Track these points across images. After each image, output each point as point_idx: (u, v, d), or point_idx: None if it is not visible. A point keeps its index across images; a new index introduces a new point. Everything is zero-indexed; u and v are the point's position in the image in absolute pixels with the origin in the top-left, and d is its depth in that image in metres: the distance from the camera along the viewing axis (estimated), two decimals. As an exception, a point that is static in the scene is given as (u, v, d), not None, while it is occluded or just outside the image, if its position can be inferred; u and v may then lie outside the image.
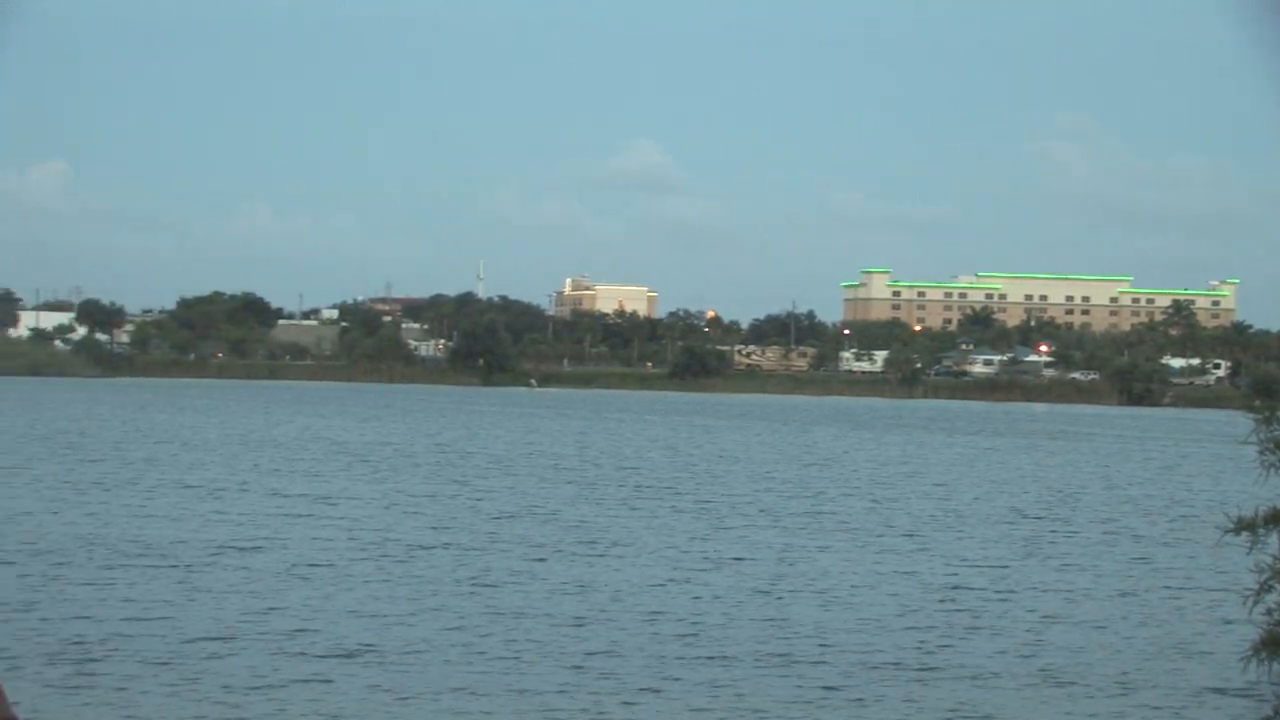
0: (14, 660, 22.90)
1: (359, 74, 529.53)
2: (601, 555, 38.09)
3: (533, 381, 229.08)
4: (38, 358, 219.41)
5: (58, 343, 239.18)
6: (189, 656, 24.04)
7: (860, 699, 22.85)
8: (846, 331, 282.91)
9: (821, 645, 26.76)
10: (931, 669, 25.07)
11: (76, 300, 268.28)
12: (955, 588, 34.46)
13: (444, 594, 31.07)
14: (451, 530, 42.55)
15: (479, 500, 51.78)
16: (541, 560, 36.75)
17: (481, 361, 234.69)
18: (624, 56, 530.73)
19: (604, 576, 34.26)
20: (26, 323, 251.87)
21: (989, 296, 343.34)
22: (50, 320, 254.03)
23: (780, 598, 32.15)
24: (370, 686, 22.43)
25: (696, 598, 31.70)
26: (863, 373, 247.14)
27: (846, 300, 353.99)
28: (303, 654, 24.49)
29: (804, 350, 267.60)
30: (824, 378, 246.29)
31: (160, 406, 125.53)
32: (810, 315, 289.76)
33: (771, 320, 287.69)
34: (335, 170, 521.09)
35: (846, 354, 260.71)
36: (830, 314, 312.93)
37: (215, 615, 27.68)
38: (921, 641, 27.44)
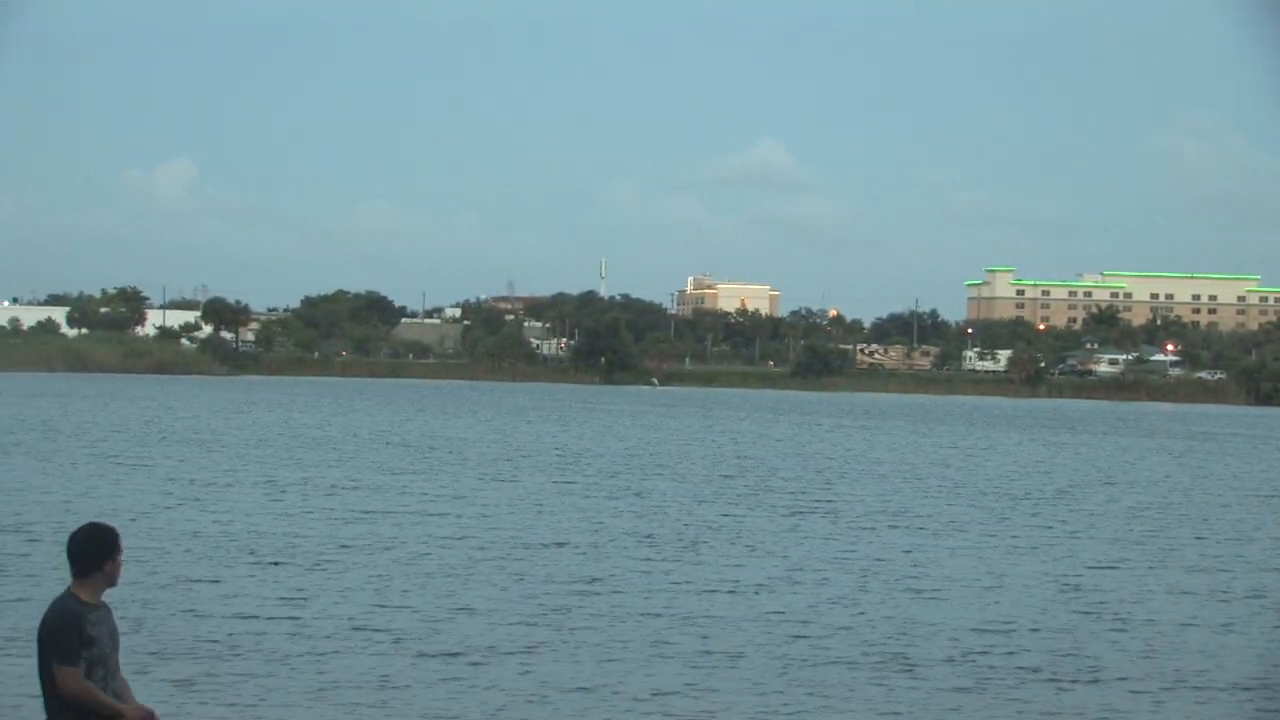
0: (139, 658, 22.86)
1: (484, 73, 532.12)
2: (723, 555, 37.78)
3: (654, 380, 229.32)
4: (164, 356, 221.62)
5: (184, 341, 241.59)
6: (311, 656, 23.93)
7: (993, 702, 22.41)
8: (970, 330, 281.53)
9: (950, 647, 26.34)
10: (1061, 672, 24.60)
11: (202, 299, 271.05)
12: (1083, 589, 33.92)
13: (566, 594, 30.86)
14: (572, 529, 42.35)
15: (601, 499, 51.59)
16: (663, 560, 36.49)
17: (603, 360, 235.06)
18: (747, 54, 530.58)
19: (726, 576, 33.95)
20: (153, 321, 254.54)
21: (1114, 295, 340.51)
22: (176, 318, 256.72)
23: (905, 599, 31.72)
24: (493, 687, 22.22)
25: (821, 598, 31.35)
26: (986, 372, 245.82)
27: (970, 299, 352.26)
28: (424, 654, 24.32)
29: (927, 349, 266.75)
30: (947, 377, 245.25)
31: (284, 404, 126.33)
32: (933, 314, 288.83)
33: (894, 319, 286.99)
34: (459, 169, 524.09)
35: (970, 353, 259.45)
36: (953, 313, 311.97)
37: (336, 614, 27.59)
38: (1051, 645, 26.97)
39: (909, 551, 39.81)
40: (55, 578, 30.49)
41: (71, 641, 10.95)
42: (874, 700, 22.27)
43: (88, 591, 11.19)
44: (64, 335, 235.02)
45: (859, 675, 23.84)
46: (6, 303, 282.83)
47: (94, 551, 11.22)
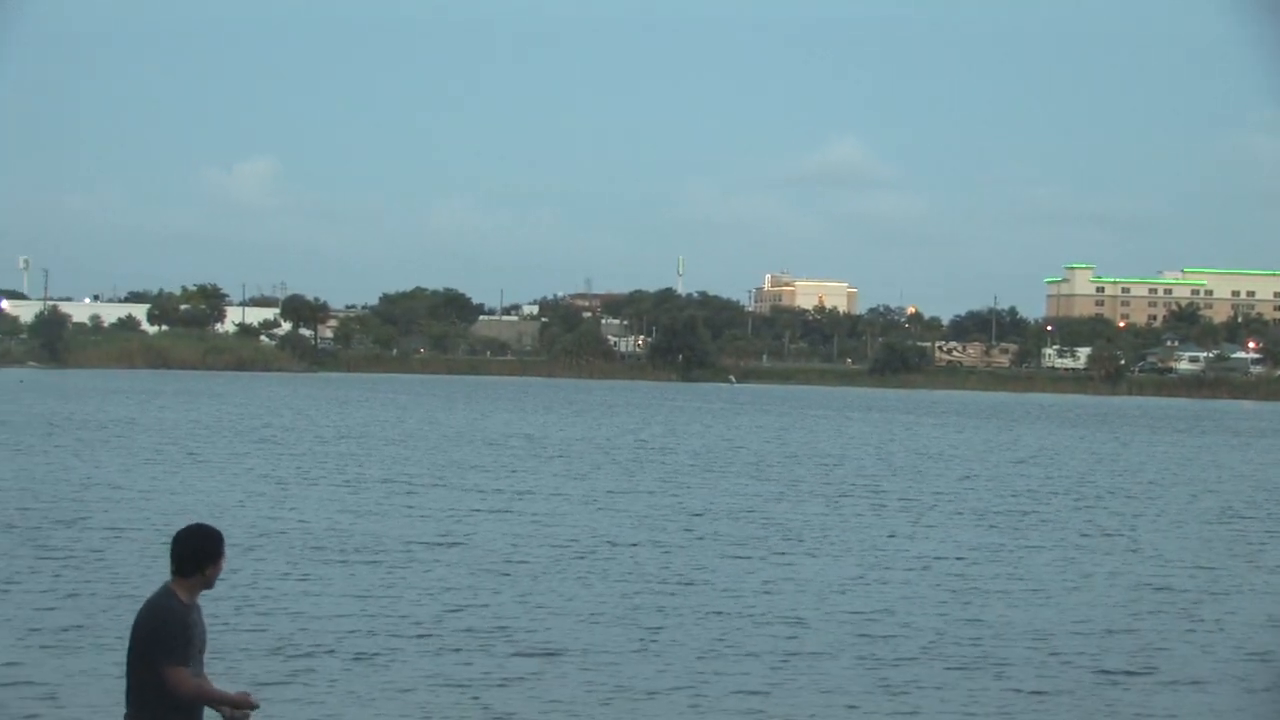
0: (220, 657, 22.87)
1: (562, 71, 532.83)
2: (803, 553, 37.59)
3: (731, 378, 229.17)
4: (243, 353, 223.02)
5: (263, 338, 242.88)
6: (390, 655, 23.89)
7: (1075, 704, 22.17)
8: (1049, 328, 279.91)
9: (1031, 648, 26.09)
10: (1145, 672, 24.32)
11: (281, 295, 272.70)
12: (1166, 589, 33.58)
13: (645, 593, 30.74)
14: (651, 527, 42.24)
15: (679, 497, 51.47)
16: (743, 558, 36.33)
17: (680, 357, 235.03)
18: (825, 52, 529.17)
19: (806, 574, 33.77)
20: (233, 318, 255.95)
21: (1195, 293, 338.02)
22: (256, 315, 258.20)
23: (988, 598, 31.47)
24: (572, 688, 22.12)
25: (902, 597, 31.12)
26: (1065, 369, 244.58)
27: (1049, 296, 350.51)
28: (505, 654, 24.25)
29: (1005, 346, 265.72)
30: (1026, 374, 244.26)
31: (363, 401, 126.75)
32: (1012, 311, 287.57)
33: (973, 316, 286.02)
34: (537, 166, 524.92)
35: (1049, 350, 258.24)
36: (1032, 310, 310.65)
37: (414, 612, 27.55)
38: (1135, 645, 26.68)
39: (991, 550, 39.51)
40: (132, 572, 30.59)
41: (179, 642, 10.96)
42: (956, 701, 22.05)
43: (185, 591, 11.15)
44: (144, 332, 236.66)
45: (941, 676, 23.62)
46: (88, 299, 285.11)
47: (198, 553, 11.19)
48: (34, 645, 23.64)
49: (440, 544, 37.04)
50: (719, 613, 28.51)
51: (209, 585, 11.28)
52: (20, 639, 24.09)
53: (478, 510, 45.20)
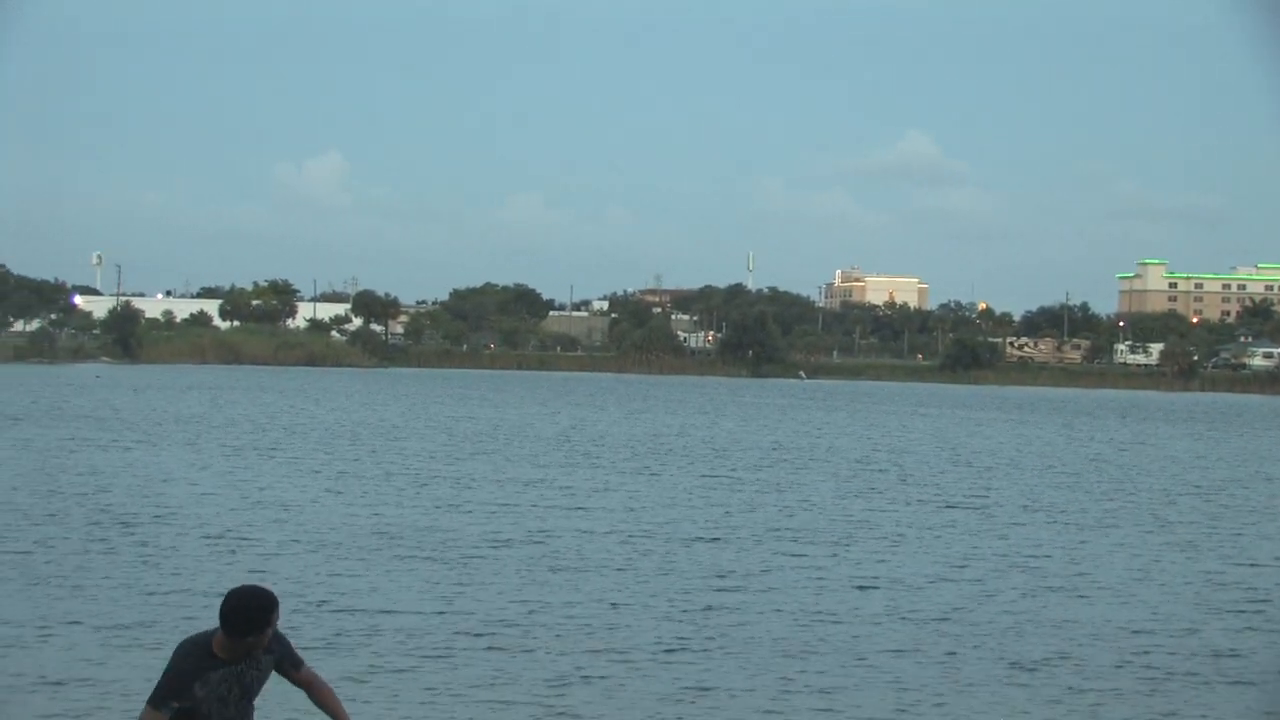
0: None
1: (631, 67, 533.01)
2: (877, 550, 37.36)
3: (801, 373, 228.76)
4: (314, 348, 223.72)
5: (334, 333, 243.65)
6: (463, 652, 23.82)
7: (1146, 703, 21.92)
8: (1121, 323, 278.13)
9: (1106, 646, 25.84)
10: (1218, 673, 24.03)
11: (352, 291, 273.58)
12: (1242, 588, 33.22)
13: (720, 589, 30.58)
14: (724, 524, 42.08)
15: (752, 494, 51.29)
16: (816, 555, 36.13)
17: (750, 353, 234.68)
18: (898, 46, 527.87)
19: (880, 572, 33.56)
20: (304, 313, 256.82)
21: (1269, 288, 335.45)
22: (327, 311, 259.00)
23: (1059, 596, 31.19)
24: (645, 685, 21.99)
25: (973, 595, 30.88)
26: (1138, 365, 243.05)
27: (1121, 292, 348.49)
28: (580, 650, 24.15)
29: (1077, 342, 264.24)
30: (1098, 370, 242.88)
31: (435, 397, 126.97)
32: (1084, 307, 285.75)
33: (1044, 312, 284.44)
34: (606, 162, 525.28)
35: (1121, 346, 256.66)
36: (1104, 306, 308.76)
37: (487, 610, 27.47)
38: (1206, 645, 26.37)
39: (1065, 547, 39.21)
40: (201, 569, 30.63)
41: (167, 687, 10.58)
42: (1030, 699, 21.82)
43: (225, 649, 10.68)
44: (216, 327, 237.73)
45: (1015, 674, 23.40)
46: (160, 295, 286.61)
47: (239, 624, 10.62)
48: (108, 643, 23.67)
49: (513, 541, 36.97)
50: (792, 610, 28.33)
51: (251, 651, 10.76)
52: (92, 636, 24.12)
53: (550, 507, 45.13)
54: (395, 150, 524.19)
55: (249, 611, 10.63)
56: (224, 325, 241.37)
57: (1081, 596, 31.37)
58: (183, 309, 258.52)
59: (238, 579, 29.73)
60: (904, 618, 27.96)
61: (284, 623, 24.87)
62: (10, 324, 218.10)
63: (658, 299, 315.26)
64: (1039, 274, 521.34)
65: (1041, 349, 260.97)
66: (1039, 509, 49.14)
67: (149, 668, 21.81)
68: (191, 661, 10.58)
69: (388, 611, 26.87)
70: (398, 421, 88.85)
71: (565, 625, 26.12)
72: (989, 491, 54.65)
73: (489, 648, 24.14)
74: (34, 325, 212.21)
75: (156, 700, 10.59)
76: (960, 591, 31.38)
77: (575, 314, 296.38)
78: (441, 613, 26.97)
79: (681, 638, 25.41)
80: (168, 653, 19.85)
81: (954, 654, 24.88)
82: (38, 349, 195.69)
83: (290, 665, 11.14)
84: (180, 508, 41.99)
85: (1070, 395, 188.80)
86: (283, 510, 42.18)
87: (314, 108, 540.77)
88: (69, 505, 41.74)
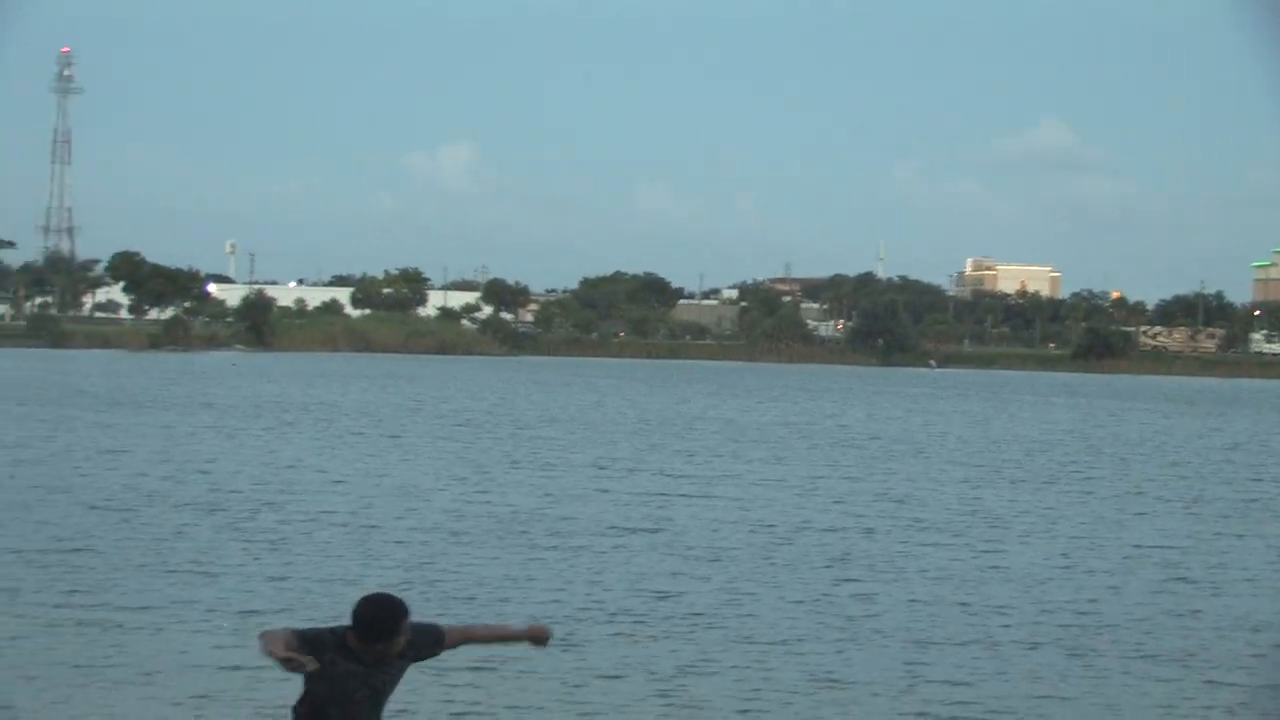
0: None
1: (763, 55, 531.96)
2: (1008, 540, 37.03)
3: (932, 362, 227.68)
4: (445, 336, 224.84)
5: (464, 322, 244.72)
6: (590, 641, 23.78)
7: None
8: (1257, 312, 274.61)
9: (1243, 641, 25.46)
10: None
11: (482, 280, 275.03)
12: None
13: (849, 579, 30.39)
14: (852, 513, 41.86)
15: (881, 482, 51.02)
16: (947, 545, 35.87)
17: (880, 342, 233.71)
18: (1031, 33, 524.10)
19: (1012, 562, 33.25)
20: (434, 302, 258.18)
21: None
22: (457, 299, 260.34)
23: (1198, 588, 30.78)
24: (766, 677, 21.87)
25: (1109, 586, 30.53)
26: (1274, 355, 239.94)
27: (1257, 280, 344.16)
28: (709, 641, 24.06)
29: (1212, 331, 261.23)
30: (1233, 359, 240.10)
31: (562, 385, 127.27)
32: (1219, 295, 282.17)
33: (1178, 301, 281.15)
34: (737, 150, 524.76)
35: (1257, 335, 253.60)
36: (1240, 294, 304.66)
37: (615, 599, 27.43)
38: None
39: (1201, 539, 38.70)
40: (329, 556, 30.78)
41: (308, 633, 10.55)
42: (1163, 694, 21.52)
43: (358, 648, 10.60)
44: (348, 315, 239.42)
45: (1147, 668, 23.09)
46: (293, 283, 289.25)
47: (368, 631, 10.56)
48: (240, 629, 23.82)
49: (640, 529, 36.93)
50: (924, 600, 28.12)
51: (382, 657, 10.67)
52: (222, 622, 24.29)
53: (678, 495, 45.06)
54: (526, 139, 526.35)
55: (378, 620, 10.55)
56: (355, 313, 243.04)
57: (1217, 589, 30.94)
58: (315, 297, 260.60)
59: (366, 566, 29.87)
60: (1035, 608, 27.66)
61: (418, 609, 24.96)
62: (145, 312, 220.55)
63: (787, 287, 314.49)
64: (1173, 262, 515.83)
65: (1175, 338, 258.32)
66: (1174, 499, 48.56)
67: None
68: (330, 638, 10.58)
69: (514, 600, 26.88)
70: (526, 409, 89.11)
71: (692, 614, 26.02)
72: (1123, 482, 54.07)
73: (615, 634, 24.10)
74: (168, 313, 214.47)
75: (301, 632, 10.55)
76: (1092, 582, 31.03)
77: (705, 302, 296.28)
78: (568, 600, 26.95)
79: (810, 627, 25.26)
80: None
81: (1085, 645, 24.60)
82: (172, 337, 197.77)
83: (434, 648, 11.10)
84: (310, 494, 42.25)
85: (1205, 385, 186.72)
86: (411, 497, 42.36)
87: (446, 97, 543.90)
88: (200, 492, 42.10)
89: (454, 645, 11.15)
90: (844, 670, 22.22)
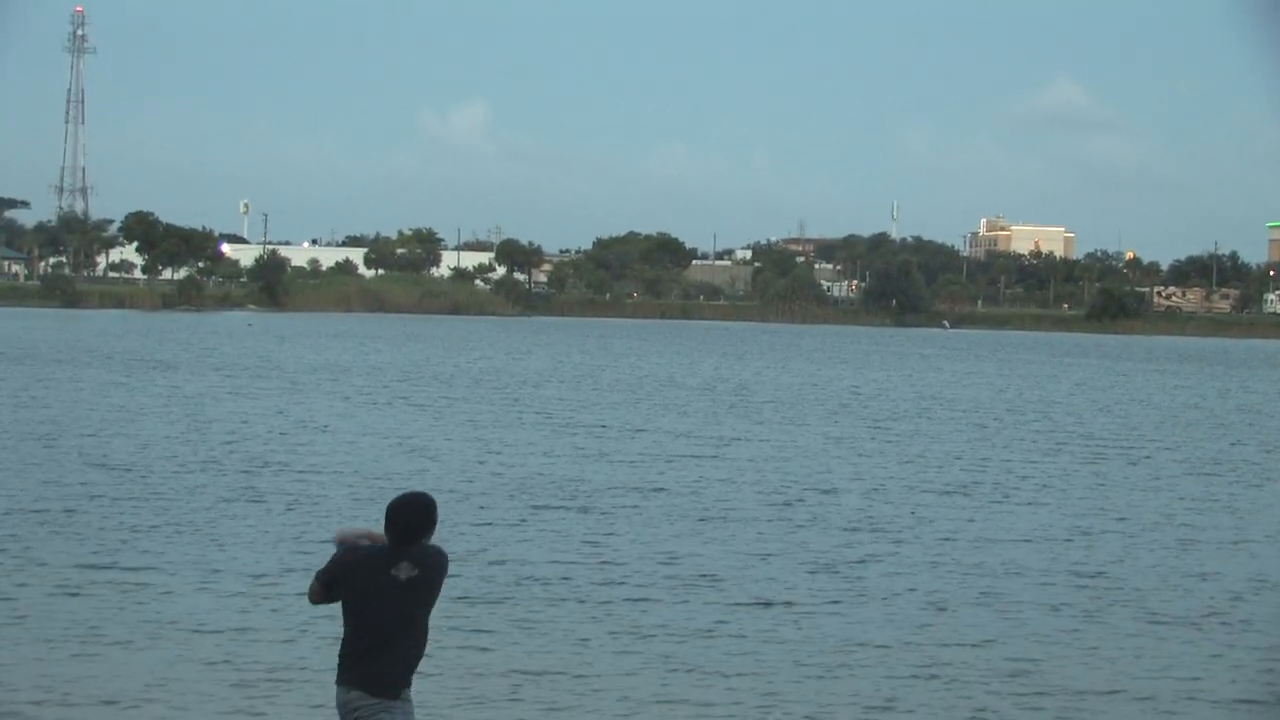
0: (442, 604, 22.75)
1: (776, 16, 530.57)
2: (1021, 502, 36.87)
3: (945, 323, 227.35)
4: (458, 297, 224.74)
5: (478, 282, 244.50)
6: (607, 600, 23.66)
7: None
8: (1272, 272, 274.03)
9: (1260, 602, 25.29)
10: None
11: (496, 240, 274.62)
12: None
13: (859, 542, 30.25)
14: (863, 475, 41.72)
15: (892, 444, 50.87)
16: (963, 507, 35.71)
17: (894, 302, 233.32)
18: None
19: (1025, 524, 33.09)
20: (448, 262, 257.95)
21: None
22: (471, 260, 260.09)
23: (1212, 549, 30.61)
24: (792, 640, 21.73)
25: (1137, 547, 30.35)
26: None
27: (1272, 240, 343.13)
28: (722, 602, 23.93)
29: (1226, 292, 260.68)
30: (1248, 320, 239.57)
31: (578, 345, 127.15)
32: (1233, 256, 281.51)
33: (1192, 261, 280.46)
34: (750, 111, 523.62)
35: (1271, 296, 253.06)
36: (1255, 255, 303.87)
37: (624, 560, 27.31)
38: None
39: (1215, 501, 38.55)
40: (346, 518, 30.65)
41: (332, 568, 11.02)
42: (1180, 653, 21.35)
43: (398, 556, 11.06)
44: (361, 276, 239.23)
45: (1163, 629, 22.94)
46: (306, 244, 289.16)
47: (418, 528, 11.12)
48: (252, 591, 23.72)
49: (650, 490, 36.80)
50: (936, 563, 27.97)
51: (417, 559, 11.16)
52: (241, 581, 24.18)
53: (688, 456, 44.92)
54: (540, 99, 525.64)
55: (425, 514, 11.14)
56: (369, 274, 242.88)
57: (1232, 550, 30.77)
58: (328, 257, 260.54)
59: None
60: (1050, 570, 27.50)
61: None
62: (159, 272, 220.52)
63: (801, 248, 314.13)
64: (1187, 223, 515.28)
65: (1189, 299, 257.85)
66: (1188, 461, 48.39)
67: (291, 614, 21.81)
68: (364, 555, 10.93)
69: (533, 562, 26.75)
70: (541, 370, 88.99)
71: (711, 577, 25.88)
72: (1137, 443, 53.90)
73: (633, 599, 23.95)
74: (182, 273, 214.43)
75: (322, 574, 10.93)
76: (1113, 543, 30.87)
77: (718, 263, 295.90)
78: (585, 563, 26.81)
79: (831, 590, 25.11)
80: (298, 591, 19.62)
81: (1105, 606, 24.47)
82: (185, 297, 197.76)
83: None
84: (326, 455, 42.16)
85: (1219, 345, 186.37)
86: (427, 459, 42.25)
87: (459, 56, 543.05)
88: (216, 453, 42.02)
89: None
90: (866, 632, 22.06)
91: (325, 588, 10.97)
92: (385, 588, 10.90)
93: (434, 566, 11.10)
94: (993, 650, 21.29)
